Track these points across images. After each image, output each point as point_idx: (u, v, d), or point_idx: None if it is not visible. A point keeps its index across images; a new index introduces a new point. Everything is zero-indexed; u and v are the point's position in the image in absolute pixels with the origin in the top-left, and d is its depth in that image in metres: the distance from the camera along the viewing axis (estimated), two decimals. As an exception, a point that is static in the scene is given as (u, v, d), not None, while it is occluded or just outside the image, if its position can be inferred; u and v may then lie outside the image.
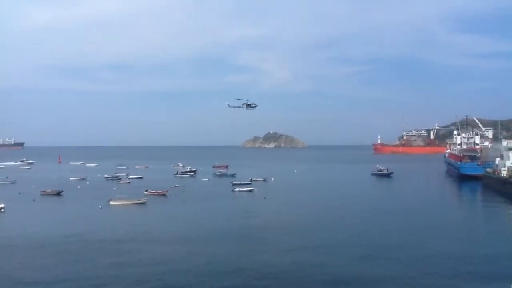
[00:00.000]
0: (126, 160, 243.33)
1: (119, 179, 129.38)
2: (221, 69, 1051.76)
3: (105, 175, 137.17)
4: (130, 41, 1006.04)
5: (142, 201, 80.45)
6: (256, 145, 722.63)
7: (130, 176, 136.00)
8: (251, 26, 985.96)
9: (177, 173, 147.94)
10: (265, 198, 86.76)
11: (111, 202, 78.75)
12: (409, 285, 33.73)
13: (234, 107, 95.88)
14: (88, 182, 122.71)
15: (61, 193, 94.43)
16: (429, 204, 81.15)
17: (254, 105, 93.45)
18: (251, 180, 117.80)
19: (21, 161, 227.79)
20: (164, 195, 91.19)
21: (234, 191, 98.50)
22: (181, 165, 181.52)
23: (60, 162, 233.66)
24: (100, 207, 74.62)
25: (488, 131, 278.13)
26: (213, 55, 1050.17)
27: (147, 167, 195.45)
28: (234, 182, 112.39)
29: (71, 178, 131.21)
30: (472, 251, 44.09)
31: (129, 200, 79.98)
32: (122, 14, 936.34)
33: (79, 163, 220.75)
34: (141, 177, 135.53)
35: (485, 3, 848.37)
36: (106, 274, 36.89)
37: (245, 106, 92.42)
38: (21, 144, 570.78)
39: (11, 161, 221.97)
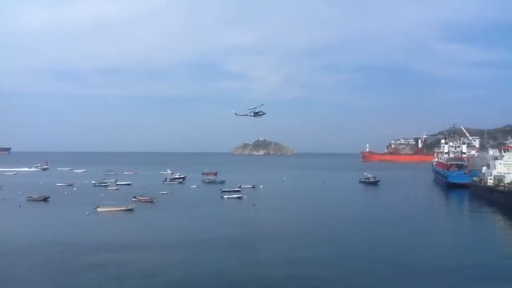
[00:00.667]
0: (114, 166, 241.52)
1: (107, 185, 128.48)
2: (212, 75, 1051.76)
3: (93, 181, 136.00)
4: (122, 45, 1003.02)
5: (129, 207, 79.87)
6: (246, 152, 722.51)
7: (118, 183, 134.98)
8: (243, 32, 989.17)
9: (165, 180, 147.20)
10: (253, 205, 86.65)
11: (99, 209, 78.05)
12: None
13: (241, 115, 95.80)
14: (75, 188, 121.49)
15: (48, 199, 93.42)
16: (417, 212, 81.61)
17: (262, 113, 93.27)
18: (239, 187, 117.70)
19: (35, 166, 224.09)
20: (152, 202, 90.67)
21: (223, 198, 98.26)
22: (169, 172, 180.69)
23: (47, 167, 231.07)
24: (87, 213, 73.93)
25: (475, 140, 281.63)
26: (204, 61, 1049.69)
27: (135, 173, 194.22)
28: (223, 189, 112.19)
29: (58, 184, 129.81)
30: (459, 260, 44.42)
31: (116, 206, 79.34)
32: (114, 19, 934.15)
33: (67, 168, 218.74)
34: (129, 184, 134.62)
35: (473, 13, 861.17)
36: (90, 281, 36.52)
37: (252, 114, 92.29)
38: (8, 149, 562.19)
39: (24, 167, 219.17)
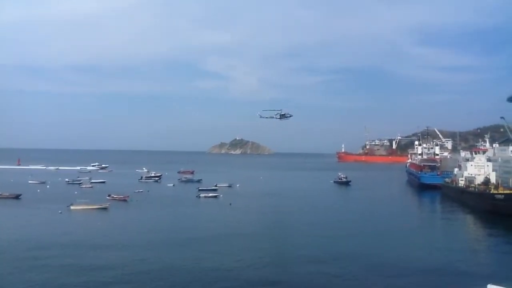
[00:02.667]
0: (89, 163, 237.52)
1: (81, 183, 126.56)
2: (189, 74, 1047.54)
3: (66, 179, 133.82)
4: (98, 42, 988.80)
5: (103, 206, 78.82)
6: (223, 151, 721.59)
7: (93, 181, 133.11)
8: (220, 32, 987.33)
9: (141, 178, 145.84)
10: (230, 204, 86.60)
11: (72, 207, 76.78)
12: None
13: (266, 117, 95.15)
14: (48, 186, 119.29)
15: (19, 197, 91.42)
16: (389, 212, 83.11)
17: (288, 115, 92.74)
18: (216, 186, 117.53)
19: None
20: (125, 200, 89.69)
21: (199, 197, 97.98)
22: (145, 170, 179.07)
23: (19, 164, 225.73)
24: (60, 212, 72.64)
25: (447, 142, 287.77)
26: (181, 60, 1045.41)
27: (110, 171, 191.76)
28: (200, 188, 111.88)
29: (30, 182, 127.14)
30: (429, 259, 45.26)
31: (90, 205, 78.18)
32: (88, 16, 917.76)
33: (40, 166, 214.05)
34: (103, 182, 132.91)
35: (447, 18, 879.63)
36: (59, 280, 36.03)
37: (278, 117, 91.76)
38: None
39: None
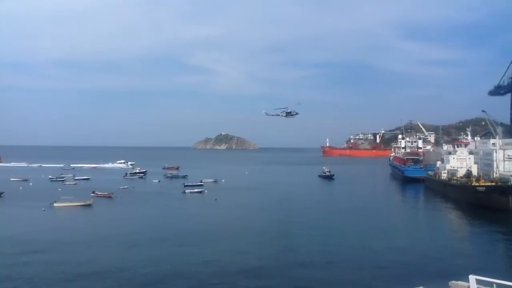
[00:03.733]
0: (72, 160, 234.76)
1: (64, 180, 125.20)
2: (174, 69, 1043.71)
3: (50, 176, 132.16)
4: (80, 37, 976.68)
5: (87, 203, 78.14)
6: (208, 147, 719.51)
7: (76, 177, 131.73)
8: (205, 26, 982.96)
9: (126, 175, 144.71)
10: (216, 199, 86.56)
11: (55, 204, 75.94)
12: (354, 281, 34.88)
13: (272, 115, 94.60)
14: (31, 183, 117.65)
15: (1, 195, 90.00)
16: (374, 205, 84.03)
17: (294, 113, 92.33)
18: (201, 182, 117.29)
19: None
20: (110, 197, 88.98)
21: (185, 192, 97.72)
22: (130, 166, 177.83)
23: (0, 162, 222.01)
24: (43, 209, 71.79)
25: (430, 136, 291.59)
26: (166, 54, 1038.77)
27: (95, 167, 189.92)
28: (185, 184, 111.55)
29: (12, 179, 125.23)
30: (413, 249, 46.00)
31: (74, 202, 77.47)
32: (71, 11, 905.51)
33: (22, 163, 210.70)
34: (87, 178, 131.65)
35: (429, 12, 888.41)
36: (43, 278, 35.69)
37: (284, 114, 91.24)
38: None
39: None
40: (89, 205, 76.93)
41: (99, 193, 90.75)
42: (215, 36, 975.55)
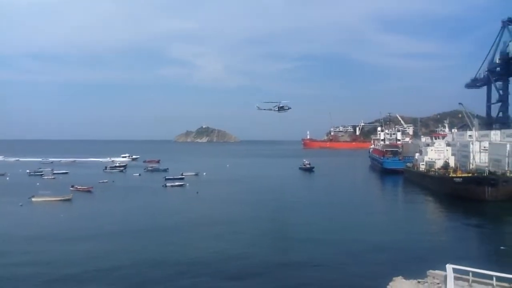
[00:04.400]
0: (51, 154, 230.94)
1: (43, 174, 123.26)
2: (154, 62, 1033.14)
3: (28, 170, 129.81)
4: (58, 29, 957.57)
5: (66, 197, 77.07)
6: (189, 140, 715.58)
7: (55, 172, 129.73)
8: (185, 19, 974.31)
9: (106, 168, 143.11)
10: (197, 193, 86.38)
11: (33, 199, 74.77)
12: (334, 273, 35.31)
13: (264, 109, 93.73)
14: (8, 178, 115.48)
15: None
16: (352, 196, 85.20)
17: (287, 107, 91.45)
18: (182, 175, 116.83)
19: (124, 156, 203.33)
20: (89, 191, 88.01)
21: (166, 186, 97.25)
22: (110, 160, 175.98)
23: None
24: (20, 204, 70.56)
25: (409, 128, 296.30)
26: (146, 47, 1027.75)
27: (73, 161, 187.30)
28: (166, 177, 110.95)
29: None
30: (391, 240, 46.67)
31: (52, 196, 76.33)
32: (49, 3, 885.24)
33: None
34: (66, 172, 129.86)
35: (408, 6, 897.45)
36: (16, 273, 35.30)
37: (277, 109, 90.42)
38: None
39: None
40: (68, 200, 75.89)
41: (78, 187, 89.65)
42: (195, 29, 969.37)
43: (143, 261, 38.55)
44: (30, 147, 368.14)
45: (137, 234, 49.82)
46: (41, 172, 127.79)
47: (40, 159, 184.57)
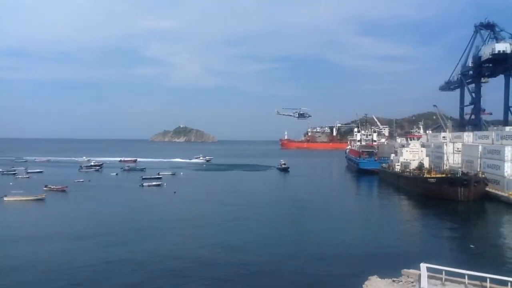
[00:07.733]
0: (24, 153, 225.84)
1: (16, 173, 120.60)
2: (130, 61, 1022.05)
3: (0, 169, 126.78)
4: (33, 25, 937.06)
5: (39, 197, 75.63)
6: (166, 139, 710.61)
7: (29, 171, 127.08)
8: (162, 18, 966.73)
9: (81, 168, 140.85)
10: (174, 192, 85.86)
11: (5, 199, 73.04)
12: (308, 273, 35.58)
13: (284, 115, 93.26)
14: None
15: None
16: (327, 196, 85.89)
17: (307, 115, 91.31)
18: (159, 175, 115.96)
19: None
20: (64, 190, 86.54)
21: (143, 186, 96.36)
22: (85, 159, 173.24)
23: None
24: (-8, 204, 68.99)
25: (385, 129, 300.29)
26: (122, 46, 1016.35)
27: (48, 160, 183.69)
28: (143, 177, 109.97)
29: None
30: (365, 240, 47.14)
31: (25, 196, 74.83)
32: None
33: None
34: (40, 172, 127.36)
35: (383, 9, 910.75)
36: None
37: (297, 115, 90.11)
38: None
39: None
40: (41, 199, 74.51)
41: (52, 186, 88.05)
42: (171, 28, 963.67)
43: (115, 262, 37.90)
44: (2, 145, 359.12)
45: (109, 235, 49.01)
46: (14, 171, 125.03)
47: (14, 158, 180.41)
